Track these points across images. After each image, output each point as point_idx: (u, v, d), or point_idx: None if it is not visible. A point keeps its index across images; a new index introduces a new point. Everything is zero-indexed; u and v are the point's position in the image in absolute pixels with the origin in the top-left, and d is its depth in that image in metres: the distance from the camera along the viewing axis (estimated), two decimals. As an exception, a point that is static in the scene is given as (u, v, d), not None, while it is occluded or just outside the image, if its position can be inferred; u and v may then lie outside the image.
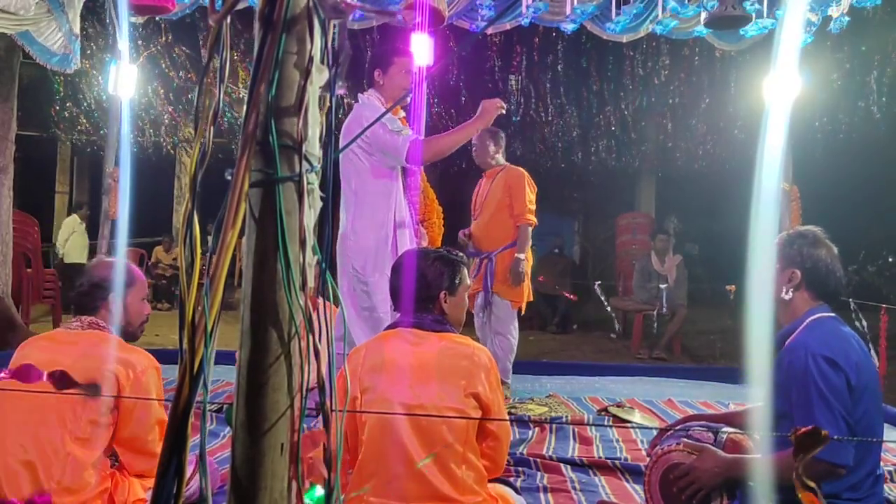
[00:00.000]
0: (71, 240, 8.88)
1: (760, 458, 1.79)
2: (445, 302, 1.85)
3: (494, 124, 3.27)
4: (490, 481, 1.83)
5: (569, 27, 4.72)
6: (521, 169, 4.27)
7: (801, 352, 1.70)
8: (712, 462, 1.80)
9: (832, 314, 1.81)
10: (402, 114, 3.17)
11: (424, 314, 1.82)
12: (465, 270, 1.93)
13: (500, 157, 4.29)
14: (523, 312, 4.36)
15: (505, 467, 2.00)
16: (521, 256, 4.06)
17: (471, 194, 4.45)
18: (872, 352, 3.94)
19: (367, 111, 2.90)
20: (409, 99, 3.19)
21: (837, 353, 1.68)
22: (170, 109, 9.77)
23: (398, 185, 3.03)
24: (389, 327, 1.92)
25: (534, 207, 4.13)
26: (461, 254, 1.97)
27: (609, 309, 7.42)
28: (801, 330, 1.78)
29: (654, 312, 6.79)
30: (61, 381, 1.57)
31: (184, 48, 8.93)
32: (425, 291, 1.83)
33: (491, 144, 4.24)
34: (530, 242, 4.15)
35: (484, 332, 4.24)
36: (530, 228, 4.10)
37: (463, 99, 9.22)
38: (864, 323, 4.66)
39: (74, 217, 9.18)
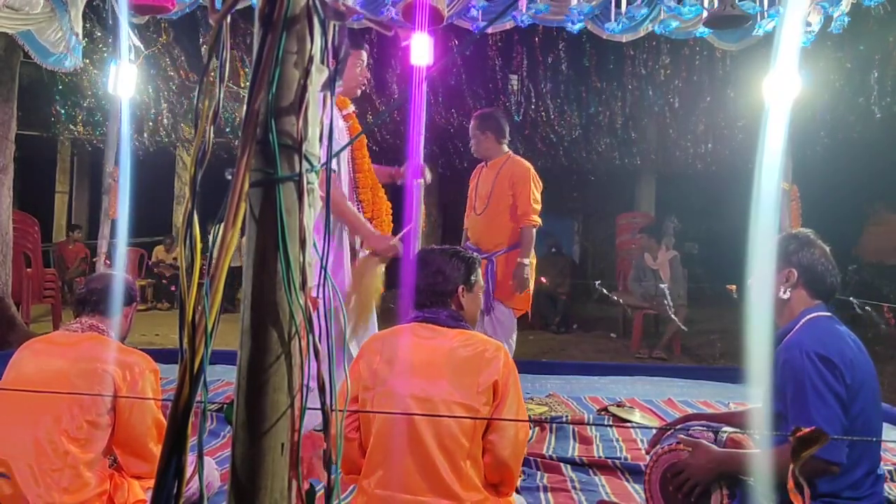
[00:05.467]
0: None
1: (754, 454, 1.80)
2: (463, 297, 1.87)
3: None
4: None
5: (575, 27, 4.70)
6: (526, 162, 3.86)
7: (796, 350, 1.71)
8: (705, 457, 1.81)
9: (828, 313, 1.83)
10: (352, 108, 3.11)
11: (440, 309, 1.83)
12: (479, 270, 1.94)
13: (505, 146, 3.89)
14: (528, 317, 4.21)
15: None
16: (526, 262, 3.68)
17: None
18: None
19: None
20: (358, 92, 3.10)
21: (832, 351, 1.69)
22: (170, 109, 9.77)
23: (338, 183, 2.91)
24: (405, 322, 1.91)
25: (539, 207, 3.77)
26: (475, 254, 1.98)
27: (620, 301, 7.33)
28: (797, 329, 1.80)
29: (657, 313, 6.78)
30: None
31: (184, 48, 8.93)
32: (443, 286, 1.84)
33: (490, 135, 3.83)
34: (533, 245, 3.78)
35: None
36: (534, 230, 3.74)
37: (467, 100, 9.21)
38: (873, 313, 4.58)
39: None
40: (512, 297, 3.76)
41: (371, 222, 3.06)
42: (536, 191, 3.79)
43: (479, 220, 3.88)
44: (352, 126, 3.09)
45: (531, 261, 3.76)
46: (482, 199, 3.87)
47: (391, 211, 3.21)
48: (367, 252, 2.91)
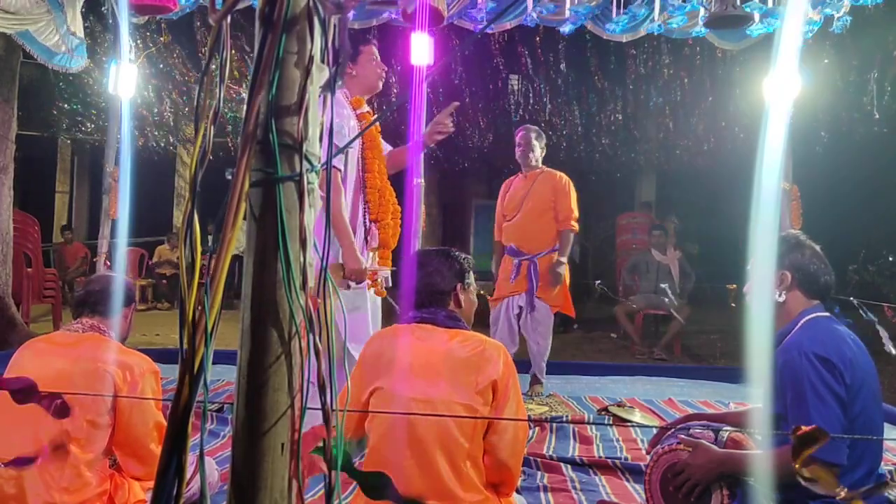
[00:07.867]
0: None
1: (754, 454, 1.80)
2: (460, 295, 1.88)
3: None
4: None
5: (566, 28, 4.71)
6: (564, 175, 4.36)
7: (795, 351, 1.71)
8: (705, 457, 1.81)
9: (826, 314, 1.82)
10: (366, 108, 3.07)
11: (438, 310, 1.84)
12: (472, 272, 1.95)
13: (540, 160, 4.43)
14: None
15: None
16: (563, 260, 4.21)
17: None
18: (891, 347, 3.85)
19: (336, 115, 2.74)
20: (380, 85, 3.08)
21: (831, 351, 1.68)
22: (170, 109, 9.77)
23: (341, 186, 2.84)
24: (403, 322, 1.92)
25: (577, 214, 4.28)
26: (468, 256, 1.98)
27: (620, 311, 7.32)
28: (796, 330, 1.79)
29: (660, 313, 6.75)
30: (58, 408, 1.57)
31: (184, 48, 8.93)
32: (440, 286, 1.85)
33: (538, 146, 4.37)
34: (569, 248, 4.29)
35: (509, 335, 4.31)
36: (573, 235, 4.26)
37: (466, 99, 9.18)
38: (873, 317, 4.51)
39: None
40: (551, 294, 4.25)
41: (375, 224, 3.02)
42: (574, 200, 4.28)
43: (516, 225, 4.35)
44: (364, 126, 3.04)
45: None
46: (516, 206, 4.34)
47: (399, 214, 3.16)
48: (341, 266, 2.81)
